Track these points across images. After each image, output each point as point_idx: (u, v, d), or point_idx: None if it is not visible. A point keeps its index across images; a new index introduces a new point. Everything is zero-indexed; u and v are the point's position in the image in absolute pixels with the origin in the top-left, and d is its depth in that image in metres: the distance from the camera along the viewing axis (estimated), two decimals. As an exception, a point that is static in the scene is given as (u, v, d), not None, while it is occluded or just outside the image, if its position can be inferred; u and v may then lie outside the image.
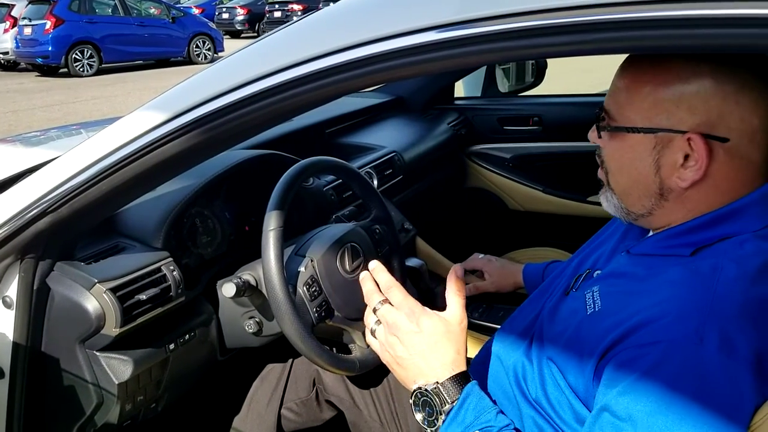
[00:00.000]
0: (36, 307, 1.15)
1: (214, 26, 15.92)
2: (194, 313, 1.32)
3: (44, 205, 1.05)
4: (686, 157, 0.85)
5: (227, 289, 1.19)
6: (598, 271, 1.03)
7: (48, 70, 12.56)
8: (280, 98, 0.91)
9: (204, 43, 14.30)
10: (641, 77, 0.87)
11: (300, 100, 0.91)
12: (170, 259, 1.24)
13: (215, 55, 14.14)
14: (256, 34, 18.33)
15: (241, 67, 0.95)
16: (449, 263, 1.89)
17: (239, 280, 1.21)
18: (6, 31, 12.85)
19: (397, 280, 1.48)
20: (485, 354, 1.17)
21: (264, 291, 1.24)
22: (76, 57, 12.24)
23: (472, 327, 1.56)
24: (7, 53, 13.05)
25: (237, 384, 1.53)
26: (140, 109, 1.01)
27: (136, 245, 1.25)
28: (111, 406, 1.20)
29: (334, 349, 1.43)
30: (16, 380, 1.17)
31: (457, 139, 2.38)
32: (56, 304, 1.15)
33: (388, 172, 1.89)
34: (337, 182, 1.63)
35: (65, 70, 12.27)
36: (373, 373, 1.34)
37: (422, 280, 1.67)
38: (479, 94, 2.67)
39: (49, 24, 11.99)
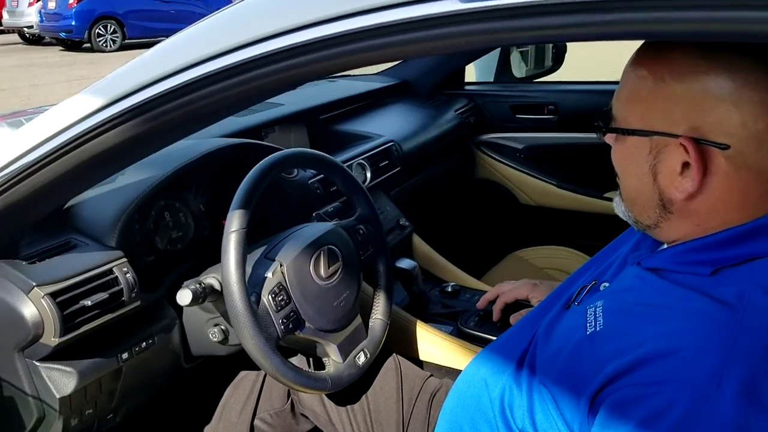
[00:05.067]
0: (-26, 309, 1.04)
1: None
2: (154, 318, 1.20)
3: (-30, 199, 0.93)
4: (686, 164, 0.74)
5: (182, 297, 1.06)
6: (606, 284, 0.91)
7: (71, 44, 12.55)
8: (225, 86, 0.78)
9: (228, 19, 14.14)
10: (641, 72, 0.77)
11: (251, 87, 0.77)
12: (124, 259, 1.12)
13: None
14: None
15: (184, 48, 0.81)
16: (446, 263, 1.75)
17: (198, 285, 1.09)
18: (31, 4, 12.86)
19: (383, 284, 1.36)
20: (472, 374, 1.04)
21: None
22: (99, 32, 12.20)
23: (465, 337, 1.42)
24: (31, 27, 13.07)
25: (208, 391, 1.41)
26: (79, 94, 0.88)
27: (88, 243, 1.13)
28: (53, 422, 1.09)
29: (311, 360, 1.31)
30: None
31: (465, 128, 2.23)
32: (-7, 307, 1.04)
33: (383, 164, 1.74)
34: (322, 175, 1.49)
35: (88, 45, 12.25)
36: (351, 389, 1.22)
37: (414, 283, 1.53)
38: (492, 79, 2.50)
39: (72, -2, 11.97)
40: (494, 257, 2.07)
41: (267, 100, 1.84)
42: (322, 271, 1.17)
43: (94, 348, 1.10)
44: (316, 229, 1.22)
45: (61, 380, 1.06)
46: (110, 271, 1.10)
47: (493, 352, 1.01)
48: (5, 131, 1.78)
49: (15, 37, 13.75)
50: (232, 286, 1.03)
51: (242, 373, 1.41)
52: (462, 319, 1.47)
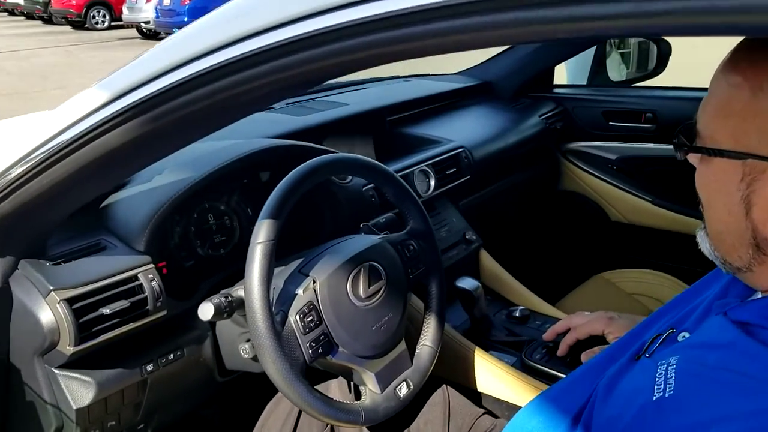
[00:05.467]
0: (0, 308, 1.00)
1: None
2: (184, 329, 1.13)
3: (-17, 197, 0.88)
4: None
5: (204, 311, 0.98)
6: (684, 334, 0.76)
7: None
8: (232, 81, 0.67)
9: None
10: (734, 79, 0.61)
11: (263, 83, 0.67)
12: (150, 265, 1.05)
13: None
14: None
15: (191, 39, 0.72)
16: (517, 284, 1.59)
17: (224, 299, 1.00)
18: (148, 1, 13.54)
19: (434, 307, 1.23)
20: (522, 424, 0.90)
21: None
22: (211, 29, 12.64)
23: (529, 371, 1.27)
24: (148, 23, 13.76)
25: (246, 406, 1.33)
26: (89, 89, 0.80)
27: (117, 245, 1.07)
28: (71, 432, 1.03)
29: (351, 385, 1.19)
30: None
31: (550, 135, 2.04)
32: (15, 309, 1.00)
33: (450, 172, 1.60)
34: (378, 182, 1.37)
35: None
36: (392, 422, 1.10)
37: (476, 306, 1.38)
38: (585, 82, 2.30)
39: (187, -6, 12.48)
40: (575, 279, 1.89)
41: (329, 99, 1.75)
42: (360, 291, 1.05)
43: (115, 358, 1.04)
44: (358, 243, 1.11)
45: (79, 391, 1.00)
46: (135, 278, 1.03)
47: (548, 401, 0.88)
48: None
49: (133, 32, 14.53)
50: (254, 303, 0.93)
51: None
52: (527, 350, 1.31)
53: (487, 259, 1.63)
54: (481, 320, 1.40)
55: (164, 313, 1.06)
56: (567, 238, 2.20)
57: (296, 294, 1.00)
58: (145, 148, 0.80)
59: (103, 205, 1.14)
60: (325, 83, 1.89)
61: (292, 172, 1.01)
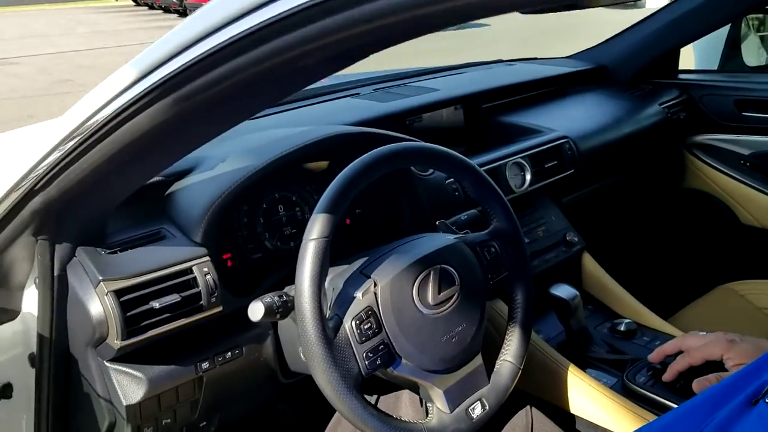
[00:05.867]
0: (58, 296, 0.98)
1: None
2: (243, 326, 1.06)
3: (30, 182, 0.84)
4: None
5: (253, 311, 0.90)
6: None
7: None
8: (270, 50, 0.58)
9: None
10: None
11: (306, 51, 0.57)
12: (206, 258, 0.99)
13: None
14: None
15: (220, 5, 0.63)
16: (624, 294, 1.40)
17: (278, 298, 0.91)
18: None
19: (519, 318, 1.08)
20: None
21: None
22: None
23: (631, 395, 1.10)
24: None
25: (315, 410, 1.25)
26: (122, 66, 0.74)
27: (176, 236, 1.02)
28: (122, 430, 0.99)
29: (421, 399, 1.08)
30: (42, 375, 1.02)
31: (673, 126, 1.80)
32: (70, 297, 0.97)
33: (550, 165, 1.43)
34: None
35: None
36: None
37: (573, 316, 1.22)
38: (715, 67, 2.02)
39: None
40: (696, 290, 1.66)
41: (420, 84, 1.62)
42: (429, 297, 0.93)
43: (169, 354, 0.99)
44: (429, 243, 0.99)
45: (130, 387, 0.96)
46: (189, 271, 0.97)
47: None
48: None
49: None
50: (303, 306, 0.84)
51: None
52: (630, 371, 1.14)
53: (590, 264, 1.45)
54: (578, 333, 1.24)
55: (220, 309, 0.99)
56: (688, 242, 1.95)
57: (354, 297, 0.90)
58: (180, 132, 0.72)
59: (168, 192, 1.09)
60: (419, 69, 1.78)
61: (352, 163, 0.91)
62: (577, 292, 1.21)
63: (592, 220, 1.57)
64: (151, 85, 0.65)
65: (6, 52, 10.93)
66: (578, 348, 1.23)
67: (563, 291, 1.21)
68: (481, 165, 1.30)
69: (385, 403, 1.16)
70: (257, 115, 1.40)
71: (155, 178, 1.09)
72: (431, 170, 1.24)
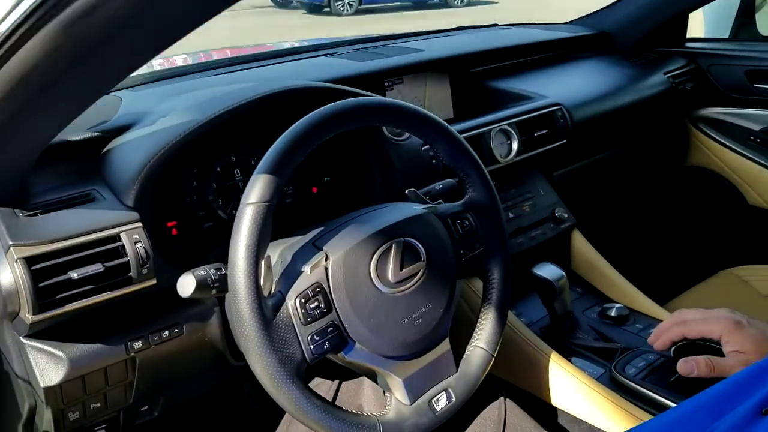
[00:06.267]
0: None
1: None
2: (183, 302, 0.94)
3: None
4: None
5: (183, 285, 0.78)
6: None
7: (314, 8, 13.21)
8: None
9: (463, -13, 13.93)
10: None
11: None
12: (138, 224, 0.87)
13: (473, -1, 13.74)
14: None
15: None
16: (617, 276, 1.29)
17: (214, 270, 0.79)
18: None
19: (494, 300, 0.97)
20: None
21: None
22: (339, -4, 12.68)
23: (619, 388, 0.99)
24: (281, -10, 13.97)
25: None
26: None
27: (107, 198, 0.90)
28: (43, 413, 0.88)
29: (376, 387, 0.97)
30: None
31: (678, 97, 1.67)
32: (-18, 264, 0.85)
33: (540, 133, 1.30)
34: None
35: (327, 9, 12.80)
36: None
37: (557, 299, 1.10)
38: (727, 35, 1.88)
39: (318, -37, 12.52)
40: (696, 274, 1.55)
41: (401, 43, 1.49)
42: (389, 273, 0.82)
43: (94, 331, 0.88)
44: (394, 213, 0.87)
45: (48, 366, 0.85)
46: (116, 238, 0.85)
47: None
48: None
49: (267, 0, 14.80)
50: (236, 280, 0.72)
51: (316, 381, 1.12)
52: (620, 362, 1.03)
53: (580, 243, 1.33)
54: (563, 318, 1.13)
55: (153, 282, 0.88)
56: (689, 223, 1.83)
57: (302, 272, 0.78)
58: (80, 69, 0.60)
59: (104, 150, 0.97)
60: (405, 33, 1.64)
61: (301, 120, 0.78)
62: (563, 273, 1.09)
63: (584, 197, 1.45)
64: (31, 6, 0.53)
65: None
66: (562, 334, 1.13)
67: (548, 271, 1.09)
68: (463, 132, 1.18)
69: (346, 389, 1.05)
70: (219, 72, 1.28)
71: (91, 134, 0.98)
72: (406, 135, 1.12)
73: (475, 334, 0.92)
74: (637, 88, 1.57)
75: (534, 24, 1.90)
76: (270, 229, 0.75)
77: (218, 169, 1.05)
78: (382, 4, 13.37)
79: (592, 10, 1.83)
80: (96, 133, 0.97)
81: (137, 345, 0.90)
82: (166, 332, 0.92)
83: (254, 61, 1.34)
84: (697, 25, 1.91)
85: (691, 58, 1.74)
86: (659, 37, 1.77)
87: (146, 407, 1.01)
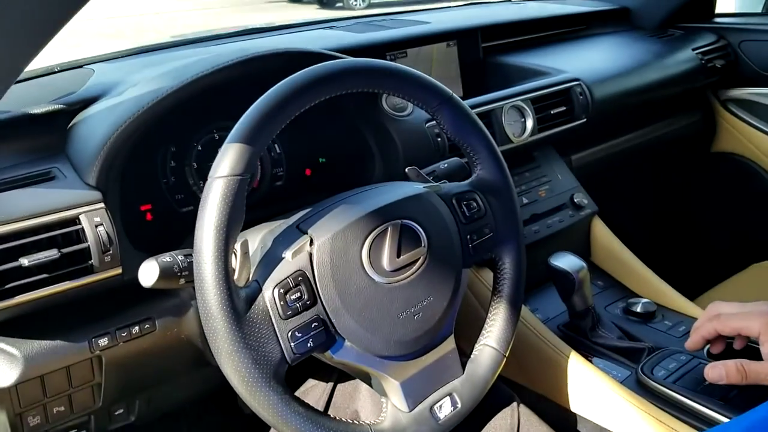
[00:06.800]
0: None
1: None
2: (155, 294, 0.84)
3: None
4: None
5: (145, 273, 0.68)
6: None
7: (327, 2, 13.11)
8: None
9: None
10: None
11: None
12: (101, 205, 0.77)
13: None
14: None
15: None
16: (643, 268, 1.18)
17: (182, 256, 0.69)
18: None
19: (506, 293, 0.86)
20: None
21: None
22: (351, -11, 12.58)
23: (647, 392, 0.88)
24: (294, -17, 13.84)
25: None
26: None
27: (67, 177, 0.80)
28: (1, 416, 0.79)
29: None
30: None
31: (706, 75, 1.54)
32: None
33: (558, 111, 1.19)
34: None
35: (340, 4, 12.72)
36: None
37: (578, 293, 0.99)
38: (760, 9, 1.76)
39: (330, -43, 12.41)
40: (728, 267, 1.43)
41: (406, 16, 1.38)
42: (384, 260, 0.71)
43: (53, 326, 0.78)
44: (390, 192, 0.77)
45: (1, 366, 0.75)
46: (75, 220, 0.75)
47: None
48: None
49: (279, -5, 14.75)
50: (202, 267, 0.62)
51: (309, 383, 1.02)
52: (647, 363, 0.93)
53: (602, 231, 1.22)
54: (583, 314, 1.03)
55: (119, 271, 0.78)
56: (719, 212, 1.71)
57: (282, 258, 0.68)
58: None
59: (70, 124, 0.87)
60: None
61: (280, 83, 0.68)
62: (584, 264, 0.99)
63: (606, 182, 1.34)
64: None
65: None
66: (583, 332, 1.03)
67: (567, 262, 0.99)
68: (472, 108, 1.06)
69: (342, 393, 0.95)
70: (205, 45, 1.18)
71: (55, 106, 0.88)
72: (409, 109, 1.01)
73: (483, 332, 0.82)
74: (662, 65, 1.45)
75: (550, -1, 1.78)
76: (243, 207, 0.65)
77: (199, 148, 0.96)
78: (394, -1, 13.29)
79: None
80: (61, 106, 0.87)
81: (103, 342, 0.80)
82: (136, 328, 0.83)
83: (244, 35, 1.24)
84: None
85: (721, 34, 1.62)
86: (686, 12, 1.66)
87: (120, 411, 0.91)
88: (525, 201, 1.16)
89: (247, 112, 0.66)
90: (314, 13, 12.26)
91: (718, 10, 1.74)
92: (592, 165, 1.33)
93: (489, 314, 0.83)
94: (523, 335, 0.98)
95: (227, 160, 0.64)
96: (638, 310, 1.08)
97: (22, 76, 1.06)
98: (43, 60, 1.15)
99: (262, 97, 0.67)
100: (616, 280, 1.18)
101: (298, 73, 0.69)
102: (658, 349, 0.95)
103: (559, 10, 1.55)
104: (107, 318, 0.81)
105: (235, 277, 0.68)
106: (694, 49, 1.53)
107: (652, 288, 1.15)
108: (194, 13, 12.28)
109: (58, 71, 1.06)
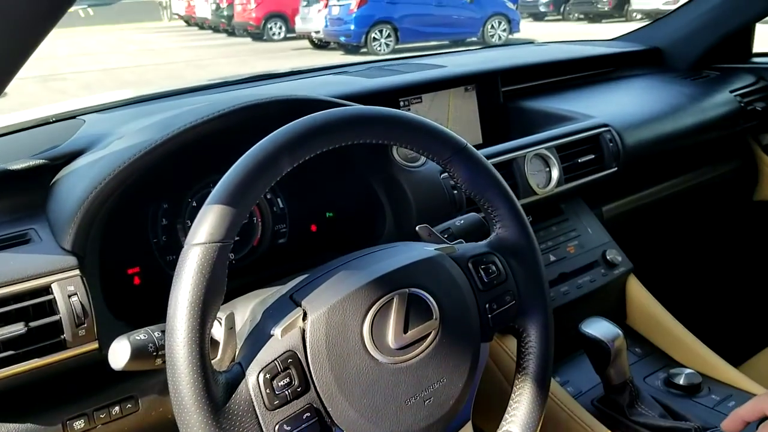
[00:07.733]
0: None
1: (513, 7, 15.40)
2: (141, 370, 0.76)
3: None
4: None
5: (114, 353, 0.59)
6: None
7: (352, 48, 13.32)
8: None
9: (499, 23, 13.91)
10: None
11: None
12: (76, 272, 0.69)
13: (509, 36, 13.67)
14: (560, 18, 17.36)
15: None
16: (685, 333, 1.07)
17: (159, 333, 0.61)
18: (320, 11, 13.89)
19: (532, 369, 0.76)
20: None
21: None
22: (375, 36, 12.78)
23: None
24: (318, 32, 14.11)
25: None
26: None
27: (43, 240, 0.73)
28: None
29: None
30: None
31: (746, 119, 1.45)
32: None
33: (586, 159, 1.10)
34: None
35: (365, 50, 12.90)
36: None
37: (614, 365, 0.89)
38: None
39: (353, 4, 12.65)
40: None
41: (422, 60, 1.31)
42: (389, 337, 0.62)
43: (22, 407, 0.70)
44: (397, 256, 0.68)
45: (-39, 453, 0.67)
46: (46, 290, 0.67)
47: None
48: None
49: (306, 43, 15.03)
50: (174, 348, 0.54)
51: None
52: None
53: (638, 292, 1.12)
54: (620, 387, 0.92)
55: (94, 346, 0.70)
56: (764, 267, 1.57)
57: (270, 336, 0.59)
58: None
59: (53, 180, 0.80)
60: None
61: (268, 136, 0.60)
62: (620, 331, 0.89)
63: (641, 236, 1.24)
64: None
65: (54, 69, 11.16)
66: (620, 409, 0.92)
67: (600, 329, 0.89)
68: (491, 157, 0.99)
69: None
70: (207, 93, 1.11)
71: (36, 161, 0.81)
72: (421, 161, 0.93)
73: (507, 415, 0.71)
74: (698, 108, 1.35)
75: (578, 41, 1.70)
76: (224, 279, 0.56)
77: (194, 204, 0.88)
78: (419, 43, 13.39)
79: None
80: (42, 161, 0.81)
81: (78, 425, 0.72)
82: (117, 408, 0.74)
83: (249, 82, 1.18)
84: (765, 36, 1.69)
85: (761, 75, 1.53)
86: (721, 53, 1.57)
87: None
88: (552, 259, 1.06)
89: (230, 171, 0.58)
90: (339, 59, 12.44)
91: (756, 49, 1.65)
92: (624, 218, 1.23)
93: (513, 393, 0.72)
94: (552, 413, 0.88)
95: (205, 225, 0.56)
96: (681, 382, 0.97)
97: (14, 128, 1.01)
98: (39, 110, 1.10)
99: (248, 152, 0.59)
100: (655, 347, 1.08)
101: (289, 124, 0.61)
102: (707, 429, 0.84)
103: (586, 52, 1.47)
104: (84, 397, 0.73)
105: (217, 358, 0.60)
106: (731, 91, 1.44)
107: (696, 356, 1.04)
108: (222, 60, 12.57)
109: (53, 122, 1.00)
